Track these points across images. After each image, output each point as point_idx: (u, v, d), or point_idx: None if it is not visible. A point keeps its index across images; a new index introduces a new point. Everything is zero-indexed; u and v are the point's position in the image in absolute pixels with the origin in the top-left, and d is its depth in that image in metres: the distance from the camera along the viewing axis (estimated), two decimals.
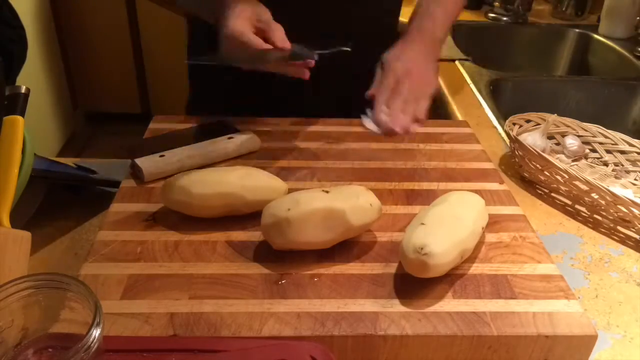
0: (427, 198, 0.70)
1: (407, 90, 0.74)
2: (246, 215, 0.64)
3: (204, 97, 1.01)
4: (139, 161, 0.71)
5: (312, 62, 0.71)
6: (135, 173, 0.72)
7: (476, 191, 0.72)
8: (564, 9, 1.66)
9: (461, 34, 1.57)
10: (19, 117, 0.65)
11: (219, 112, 0.87)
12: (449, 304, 0.54)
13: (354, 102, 0.77)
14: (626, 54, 1.42)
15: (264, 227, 0.59)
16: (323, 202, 0.59)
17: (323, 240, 0.59)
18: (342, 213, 0.58)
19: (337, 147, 0.80)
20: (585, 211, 0.77)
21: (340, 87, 0.88)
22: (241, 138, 0.79)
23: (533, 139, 0.84)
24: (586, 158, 0.89)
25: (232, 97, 0.91)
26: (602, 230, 0.74)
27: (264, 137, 0.81)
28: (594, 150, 0.90)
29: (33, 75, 2.34)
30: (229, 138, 0.78)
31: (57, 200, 0.76)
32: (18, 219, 0.63)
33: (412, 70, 0.76)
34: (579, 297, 0.62)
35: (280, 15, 0.75)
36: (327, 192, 0.61)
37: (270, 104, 0.90)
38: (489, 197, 0.71)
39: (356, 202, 0.60)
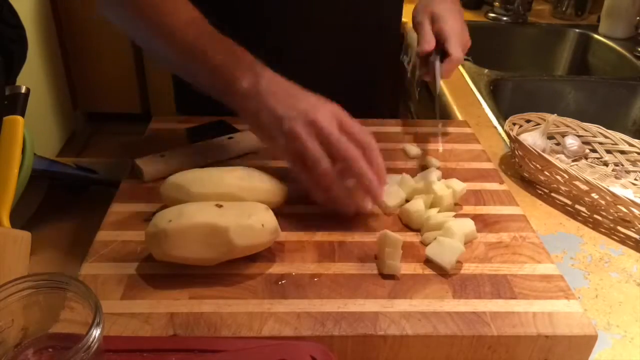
0: None
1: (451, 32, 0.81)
2: None
3: (190, 97, 0.99)
4: (139, 161, 0.71)
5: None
6: (136, 173, 0.72)
7: (476, 191, 0.72)
8: (564, 9, 1.66)
9: None
10: (19, 117, 0.65)
11: (207, 112, 0.85)
12: (449, 304, 0.54)
13: (355, 106, 0.77)
14: (626, 54, 1.42)
15: (145, 235, 0.56)
16: (207, 218, 0.55)
17: (202, 258, 0.55)
18: (224, 231, 0.54)
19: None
20: (585, 211, 0.77)
21: (342, 93, 0.88)
22: (241, 138, 0.79)
23: (533, 139, 0.84)
24: (586, 158, 0.89)
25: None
26: (602, 230, 0.74)
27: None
28: (594, 150, 0.90)
29: (33, 75, 2.34)
30: (229, 138, 0.78)
31: (57, 200, 0.76)
32: (18, 219, 0.63)
33: (446, 17, 0.82)
34: (579, 297, 0.62)
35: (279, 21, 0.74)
36: (220, 206, 0.57)
37: None
38: (489, 197, 0.71)
39: (245, 221, 0.55)
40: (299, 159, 0.61)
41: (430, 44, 0.80)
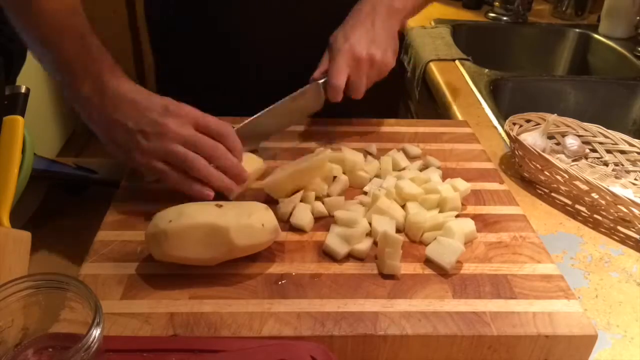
0: None
1: (358, 76, 0.75)
2: None
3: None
4: None
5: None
6: (137, 173, 0.72)
7: (476, 191, 0.72)
8: (564, 9, 1.66)
9: (461, 34, 1.57)
10: (19, 117, 0.65)
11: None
12: (449, 304, 0.54)
13: (355, 106, 0.77)
14: (626, 54, 1.42)
15: (145, 235, 0.57)
16: (207, 218, 0.55)
17: (203, 258, 0.55)
18: (225, 231, 0.54)
19: (336, 146, 0.80)
20: (585, 211, 0.77)
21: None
22: (239, 135, 0.79)
23: (533, 139, 0.84)
24: (586, 158, 0.89)
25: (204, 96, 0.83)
26: (602, 230, 0.74)
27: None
28: (594, 150, 0.90)
29: (33, 75, 2.33)
30: None
31: (57, 200, 0.76)
32: (18, 219, 0.63)
33: (360, 54, 0.74)
34: (579, 297, 0.62)
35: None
36: (220, 206, 0.57)
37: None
38: (489, 197, 0.71)
39: (245, 221, 0.55)
40: (162, 162, 0.64)
41: (316, 72, 0.78)
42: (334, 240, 0.60)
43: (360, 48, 0.74)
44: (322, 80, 0.76)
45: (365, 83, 0.76)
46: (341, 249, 0.59)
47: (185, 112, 0.65)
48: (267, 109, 0.75)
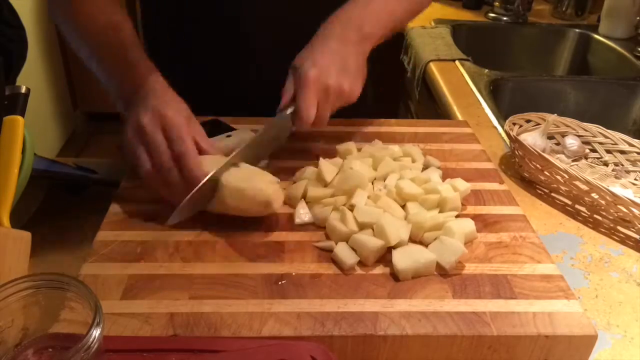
0: None
1: (325, 107, 0.70)
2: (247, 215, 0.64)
3: None
4: None
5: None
6: (138, 174, 0.71)
7: (476, 191, 0.72)
8: (564, 9, 1.66)
9: (461, 34, 1.57)
10: (19, 117, 0.65)
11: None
12: (449, 304, 0.54)
13: (355, 106, 0.77)
14: (626, 54, 1.42)
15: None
16: (216, 171, 0.62)
17: (205, 204, 0.63)
18: (222, 187, 0.62)
19: (337, 147, 0.80)
20: (585, 211, 0.77)
21: None
22: (240, 135, 0.79)
23: (533, 139, 0.84)
24: (586, 158, 0.89)
25: (203, 98, 0.83)
26: (602, 230, 0.74)
27: None
28: (594, 150, 0.90)
29: (33, 75, 2.34)
30: (227, 136, 0.79)
31: (57, 200, 0.76)
32: (18, 219, 0.63)
33: (329, 84, 0.69)
34: (579, 297, 0.62)
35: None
36: (236, 165, 0.65)
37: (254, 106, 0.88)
38: (489, 197, 0.71)
39: (240, 184, 0.61)
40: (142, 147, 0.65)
41: (283, 101, 0.71)
42: (343, 249, 0.59)
43: (329, 77, 0.69)
44: (289, 111, 0.70)
45: (329, 113, 0.72)
46: (349, 259, 0.58)
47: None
48: (237, 151, 0.68)
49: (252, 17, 0.87)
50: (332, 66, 0.71)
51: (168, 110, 0.66)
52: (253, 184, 0.62)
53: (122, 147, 0.68)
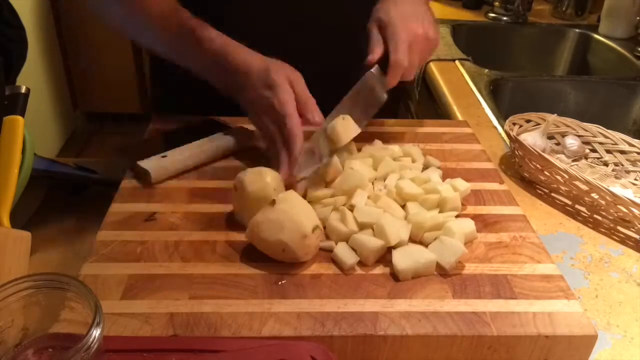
0: None
1: (415, 55, 0.72)
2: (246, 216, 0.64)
3: (169, 97, 0.99)
4: (144, 163, 0.71)
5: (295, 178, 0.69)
6: (138, 175, 0.71)
7: (476, 191, 0.72)
8: (564, 9, 1.66)
9: (461, 34, 1.57)
10: (19, 117, 0.65)
11: (186, 112, 0.87)
12: (449, 304, 0.54)
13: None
14: (626, 54, 1.42)
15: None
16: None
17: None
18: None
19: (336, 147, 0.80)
20: (585, 211, 0.77)
21: (343, 92, 0.88)
22: (237, 133, 0.79)
23: (533, 139, 0.84)
24: (586, 158, 0.89)
25: (201, 97, 0.85)
26: (602, 230, 0.74)
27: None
28: (594, 150, 0.90)
29: (33, 75, 2.34)
30: (225, 134, 0.79)
31: (57, 200, 0.76)
32: (18, 219, 0.63)
33: (417, 30, 0.72)
34: (579, 297, 0.62)
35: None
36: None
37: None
38: (489, 197, 0.71)
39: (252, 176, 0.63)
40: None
41: (375, 54, 0.72)
42: (343, 250, 0.59)
43: (416, 24, 0.72)
44: (374, 69, 0.72)
45: (417, 63, 0.74)
46: (349, 259, 0.58)
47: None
48: (335, 109, 0.72)
49: (253, 16, 0.87)
50: (414, 15, 0.74)
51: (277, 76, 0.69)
52: (253, 176, 0.63)
53: (125, 150, 0.72)
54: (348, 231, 0.61)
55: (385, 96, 0.74)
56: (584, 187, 0.73)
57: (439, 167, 0.76)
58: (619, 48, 1.45)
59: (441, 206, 0.66)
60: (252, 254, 0.60)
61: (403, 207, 0.66)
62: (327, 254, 0.60)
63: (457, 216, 0.66)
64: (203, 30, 0.73)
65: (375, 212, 0.62)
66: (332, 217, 0.63)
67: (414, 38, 0.72)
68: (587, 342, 0.52)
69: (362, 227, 0.61)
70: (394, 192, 0.67)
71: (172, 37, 0.76)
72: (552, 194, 0.80)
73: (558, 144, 0.91)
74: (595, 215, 0.76)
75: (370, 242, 0.58)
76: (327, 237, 0.62)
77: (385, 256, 0.60)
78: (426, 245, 0.61)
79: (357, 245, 0.59)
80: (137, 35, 0.82)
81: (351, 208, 0.64)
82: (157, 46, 0.80)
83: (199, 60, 0.74)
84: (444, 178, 0.73)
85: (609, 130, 0.89)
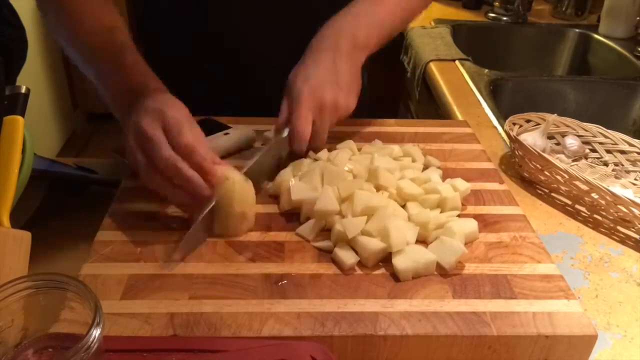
0: None
1: (321, 124, 0.70)
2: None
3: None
4: None
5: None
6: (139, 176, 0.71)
7: (476, 191, 0.72)
8: (564, 9, 1.66)
9: (461, 34, 1.57)
10: (19, 117, 0.65)
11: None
12: (449, 304, 0.54)
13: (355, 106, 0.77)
14: (626, 54, 1.42)
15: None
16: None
17: None
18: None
19: (337, 146, 0.80)
20: (585, 211, 0.77)
21: None
22: (237, 133, 0.79)
23: (533, 139, 0.84)
24: (586, 158, 0.89)
25: (200, 98, 0.82)
26: (602, 230, 0.74)
27: (260, 137, 0.81)
28: (594, 150, 0.90)
29: (33, 75, 2.34)
30: (225, 134, 0.79)
31: (57, 200, 0.76)
32: (18, 219, 0.63)
33: (324, 99, 0.69)
34: (579, 297, 0.62)
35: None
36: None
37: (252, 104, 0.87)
38: (489, 197, 0.71)
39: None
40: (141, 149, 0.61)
41: (278, 122, 0.71)
42: (343, 250, 0.59)
43: (324, 92, 0.69)
44: (286, 132, 0.70)
45: (327, 129, 0.71)
46: (349, 259, 0.58)
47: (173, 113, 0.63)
48: (243, 170, 0.67)
49: (250, 16, 0.87)
50: (326, 81, 0.70)
51: (167, 110, 0.62)
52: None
53: (123, 150, 0.66)
54: (348, 235, 0.60)
55: (284, 161, 0.73)
56: (584, 187, 0.73)
57: (438, 167, 0.76)
58: (619, 48, 1.45)
59: (441, 206, 0.66)
60: (252, 254, 0.60)
61: (403, 207, 0.66)
62: (327, 254, 0.60)
63: (458, 216, 0.66)
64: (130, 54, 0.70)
65: (380, 213, 0.61)
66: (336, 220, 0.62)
67: (318, 108, 0.69)
68: (587, 342, 0.52)
69: (364, 232, 0.60)
70: (394, 193, 0.66)
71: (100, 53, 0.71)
72: (552, 194, 0.80)
73: (558, 144, 0.91)
74: (595, 215, 0.76)
75: (371, 244, 0.58)
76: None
77: (385, 256, 0.60)
78: (426, 245, 0.61)
79: (358, 246, 0.59)
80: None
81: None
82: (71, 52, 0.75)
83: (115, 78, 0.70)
84: (444, 178, 0.73)
85: (609, 130, 0.89)
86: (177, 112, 0.63)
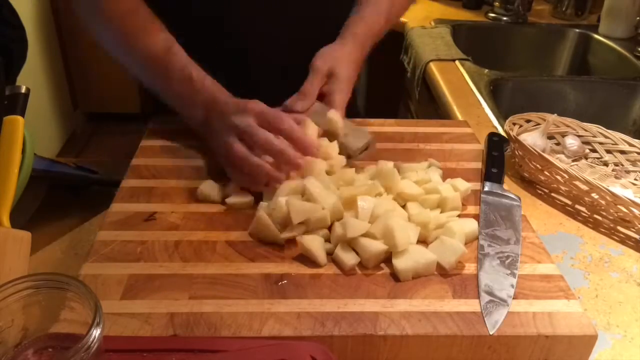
0: None
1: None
2: (246, 215, 0.64)
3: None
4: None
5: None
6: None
7: (476, 191, 0.72)
8: (564, 9, 1.66)
9: (461, 34, 1.57)
10: (19, 117, 0.65)
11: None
12: (449, 304, 0.54)
13: (355, 106, 0.77)
14: (626, 54, 1.42)
15: None
16: None
17: None
18: None
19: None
20: (585, 211, 0.77)
21: None
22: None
23: (533, 139, 0.84)
24: (586, 158, 0.89)
25: None
26: (602, 230, 0.74)
27: None
28: (594, 150, 0.90)
29: (33, 75, 2.34)
30: None
31: (57, 200, 0.76)
32: (18, 219, 0.63)
33: (336, 69, 0.78)
34: (579, 297, 0.62)
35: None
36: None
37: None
38: None
39: None
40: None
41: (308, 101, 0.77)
42: (343, 251, 0.59)
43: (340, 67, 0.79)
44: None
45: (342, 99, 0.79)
46: (349, 259, 0.58)
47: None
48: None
49: (253, 16, 0.87)
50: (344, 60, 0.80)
51: (248, 105, 0.69)
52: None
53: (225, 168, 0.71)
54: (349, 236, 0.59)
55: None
56: (584, 187, 0.73)
57: (439, 167, 0.76)
58: (619, 48, 1.45)
59: (442, 206, 0.66)
60: (252, 253, 0.60)
61: (403, 207, 0.66)
62: (327, 254, 0.60)
63: (458, 216, 0.66)
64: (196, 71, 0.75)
65: (383, 214, 0.61)
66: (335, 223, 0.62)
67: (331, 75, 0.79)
68: (587, 342, 0.52)
69: (368, 235, 0.60)
70: (395, 193, 0.66)
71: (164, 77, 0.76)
72: (552, 194, 0.80)
73: (558, 144, 0.91)
74: (595, 215, 0.76)
75: (373, 245, 0.58)
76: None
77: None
78: (426, 245, 0.61)
79: (359, 247, 0.59)
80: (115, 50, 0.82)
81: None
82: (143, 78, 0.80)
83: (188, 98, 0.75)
84: (444, 178, 0.73)
85: (609, 130, 0.89)
86: (262, 105, 0.70)
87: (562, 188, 0.78)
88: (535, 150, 0.76)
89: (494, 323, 0.52)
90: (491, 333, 0.51)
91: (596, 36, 1.53)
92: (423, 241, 0.62)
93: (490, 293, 0.55)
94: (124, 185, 0.70)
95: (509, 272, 0.58)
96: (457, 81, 1.21)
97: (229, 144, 0.68)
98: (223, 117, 0.70)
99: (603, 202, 0.73)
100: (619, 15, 1.48)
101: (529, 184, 0.82)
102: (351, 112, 0.80)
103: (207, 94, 0.73)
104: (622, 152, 0.87)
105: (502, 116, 1.03)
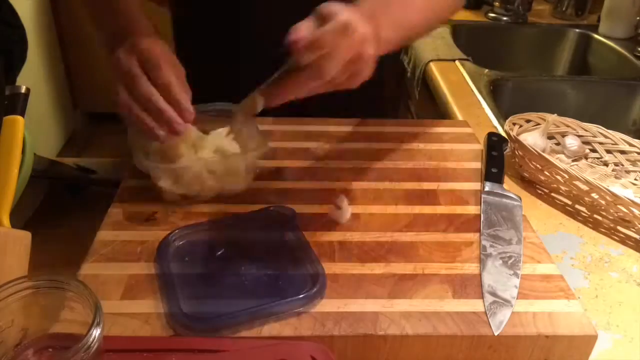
0: (427, 198, 0.70)
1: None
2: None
3: None
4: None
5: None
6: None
7: (476, 191, 0.72)
8: (564, 9, 1.66)
9: (461, 34, 1.57)
10: (19, 117, 0.65)
11: None
12: (449, 304, 0.54)
13: (355, 106, 0.76)
14: (626, 54, 1.42)
15: None
16: None
17: None
18: None
19: (337, 146, 0.80)
20: (585, 211, 0.77)
21: (342, 92, 0.87)
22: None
23: (533, 139, 0.84)
24: (586, 158, 0.89)
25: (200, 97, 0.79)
26: (602, 230, 0.74)
27: None
28: (594, 150, 0.90)
29: (33, 75, 2.34)
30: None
31: (57, 200, 0.76)
32: (18, 219, 0.63)
33: (352, 26, 0.55)
34: (579, 297, 0.62)
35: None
36: None
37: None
38: None
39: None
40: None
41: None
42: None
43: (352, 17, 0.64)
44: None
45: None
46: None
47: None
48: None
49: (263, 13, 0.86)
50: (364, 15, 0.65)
51: (149, 48, 0.64)
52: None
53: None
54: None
55: None
56: (584, 187, 0.73)
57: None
58: (619, 48, 1.45)
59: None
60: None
61: None
62: (327, 254, 0.60)
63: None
64: None
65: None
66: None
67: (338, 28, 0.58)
68: (587, 342, 0.52)
69: None
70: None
71: None
72: (552, 194, 0.80)
73: (558, 144, 0.91)
74: (595, 215, 0.76)
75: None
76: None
77: (385, 256, 0.60)
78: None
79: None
80: None
81: None
82: None
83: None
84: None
85: (609, 130, 0.89)
86: (159, 50, 0.65)
87: (562, 188, 0.78)
88: (535, 150, 0.76)
89: (499, 324, 0.52)
90: (496, 334, 0.51)
91: (596, 36, 1.53)
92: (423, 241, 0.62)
93: (493, 294, 0.55)
94: (124, 185, 0.70)
95: (511, 272, 0.58)
96: (457, 81, 1.21)
97: (115, 92, 0.65)
98: (114, 47, 0.67)
99: (603, 202, 0.73)
100: (619, 15, 1.48)
101: (529, 184, 0.82)
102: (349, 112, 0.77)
103: (123, 17, 0.70)
104: (622, 152, 0.87)
105: (502, 116, 1.03)
